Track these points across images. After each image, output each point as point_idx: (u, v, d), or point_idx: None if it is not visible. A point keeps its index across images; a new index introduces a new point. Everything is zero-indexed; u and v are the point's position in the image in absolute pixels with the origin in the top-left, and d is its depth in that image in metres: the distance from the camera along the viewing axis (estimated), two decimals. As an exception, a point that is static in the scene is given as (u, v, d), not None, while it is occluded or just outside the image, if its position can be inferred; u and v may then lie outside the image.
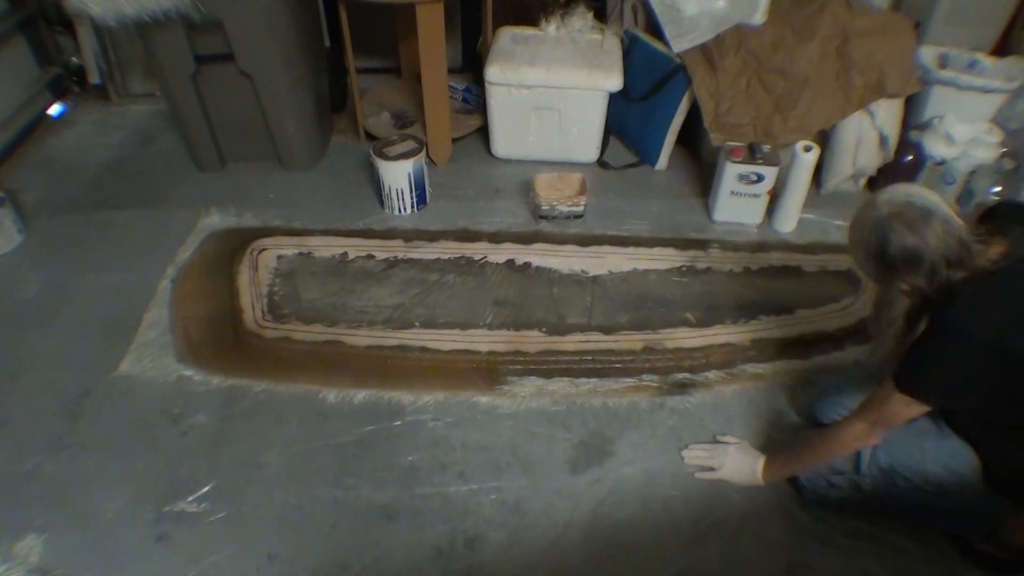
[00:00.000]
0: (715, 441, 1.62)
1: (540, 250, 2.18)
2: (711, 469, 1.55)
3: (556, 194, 2.29)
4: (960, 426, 1.33)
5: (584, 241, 2.22)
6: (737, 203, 2.25)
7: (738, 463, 1.54)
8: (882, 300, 1.30)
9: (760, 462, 1.51)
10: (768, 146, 2.20)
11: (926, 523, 1.43)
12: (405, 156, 2.21)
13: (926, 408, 1.22)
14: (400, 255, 2.15)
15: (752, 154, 2.17)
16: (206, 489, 1.52)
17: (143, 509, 1.48)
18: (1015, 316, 1.13)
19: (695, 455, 1.59)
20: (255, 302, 1.97)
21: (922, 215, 1.17)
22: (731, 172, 2.18)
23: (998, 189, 2.16)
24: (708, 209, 2.35)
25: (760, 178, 2.17)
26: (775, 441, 1.63)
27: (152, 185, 2.46)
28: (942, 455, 1.32)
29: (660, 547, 1.44)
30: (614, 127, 2.64)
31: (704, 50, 2.31)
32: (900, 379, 1.21)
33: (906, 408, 1.22)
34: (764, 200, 2.24)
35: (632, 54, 2.50)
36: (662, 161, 2.56)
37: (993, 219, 1.25)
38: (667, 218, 2.33)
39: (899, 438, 1.31)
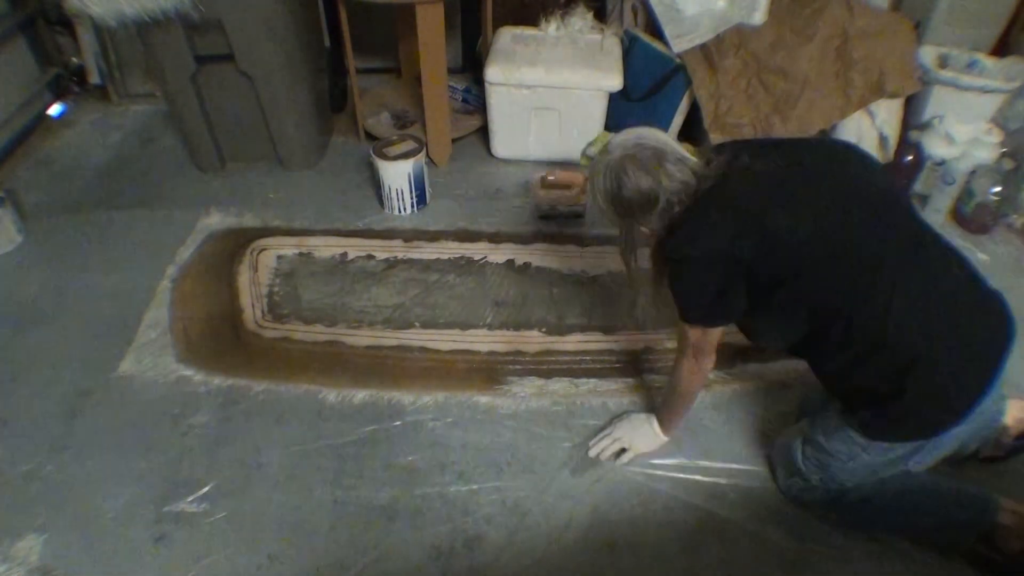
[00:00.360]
0: (606, 425, 1.64)
1: (540, 250, 2.18)
2: (623, 452, 1.57)
3: (556, 194, 2.29)
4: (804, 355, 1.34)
5: (584, 241, 2.22)
6: None
7: (640, 433, 1.57)
8: (625, 241, 1.39)
9: (653, 421, 1.56)
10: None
11: (911, 529, 1.43)
12: (405, 156, 2.21)
13: (719, 327, 1.31)
14: (400, 255, 2.15)
15: None
16: (206, 489, 1.52)
17: (143, 509, 1.48)
18: (731, 222, 1.19)
19: (602, 446, 1.58)
20: (255, 302, 1.97)
21: (654, 155, 1.23)
22: (731, 172, 2.17)
23: (998, 189, 2.16)
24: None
25: (760, 178, 2.17)
26: (774, 443, 1.63)
27: (152, 185, 2.46)
28: (842, 439, 1.32)
29: (660, 547, 1.44)
30: (614, 127, 2.64)
31: (704, 50, 2.31)
32: (680, 314, 1.31)
33: (704, 335, 1.31)
34: None
35: (632, 54, 2.50)
36: (662, 161, 2.56)
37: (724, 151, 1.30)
38: (667, 218, 2.33)
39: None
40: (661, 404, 1.57)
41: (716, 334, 1.33)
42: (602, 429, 1.63)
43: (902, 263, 1.17)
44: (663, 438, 1.57)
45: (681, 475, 1.56)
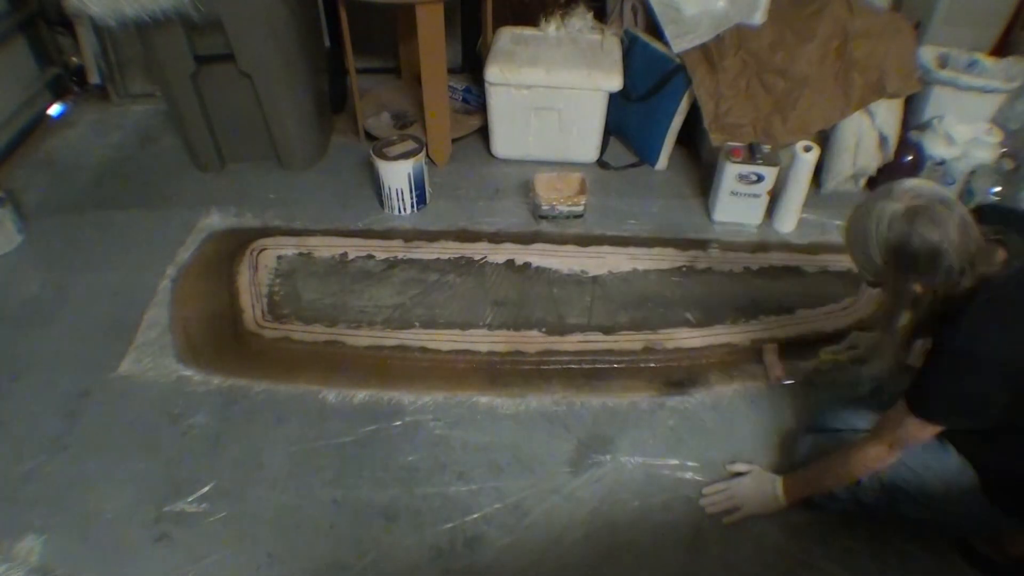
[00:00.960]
0: (728, 475, 1.55)
1: (540, 250, 2.18)
2: (736, 509, 1.48)
3: (556, 194, 2.29)
4: (961, 443, 1.29)
5: (584, 241, 2.22)
6: (737, 203, 2.25)
7: (758, 495, 1.48)
8: (892, 303, 1.21)
9: (778, 485, 1.46)
10: (768, 146, 2.20)
11: (928, 531, 1.42)
12: (405, 156, 2.21)
13: (941, 428, 1.20)
14: (400, 255, 2.15)
15: (752, 154, 2.17)
16: (206, 489, 1.52)
17: (143, 509, 1.48)
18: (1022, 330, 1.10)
19: (714, 501, 1.50)
20: (255, 302, 1.97)
21: (945, 209, 1.11)
22: (731, 172, 2.18)
23: (998, 189, 2.16)
24: (708, 209, 2.35)
25: (760, 178, 2.17)
26: (774, 442, 1.63)
27: (152, 185, 2.46)
28: (943, 471, 1.29)
29: (660, 547, 1.44)
30: (614, 127, 2.64)
31: (704, 50, 2.31)
32: (914, 404, 1.18)
33: (922, 430, 1.20)
34: (764, 200, 2.23)
35: (632, 54, 2.50)
36: (662, 161, 2.56)
37: (981, 222, 1.19)
38: (667, 218, 2.33)
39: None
40: (805, 473, 1.44)
41: (930, 432, 1.21)
42: (724, 467, 1.57)
43: None
44: (782, 504, 1.45)
45: (681, 475, 1.56)
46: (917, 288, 1.15)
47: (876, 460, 1.27)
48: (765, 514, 1.47)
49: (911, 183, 1.16)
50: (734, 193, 2.22)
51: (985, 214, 1.23)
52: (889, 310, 1.22)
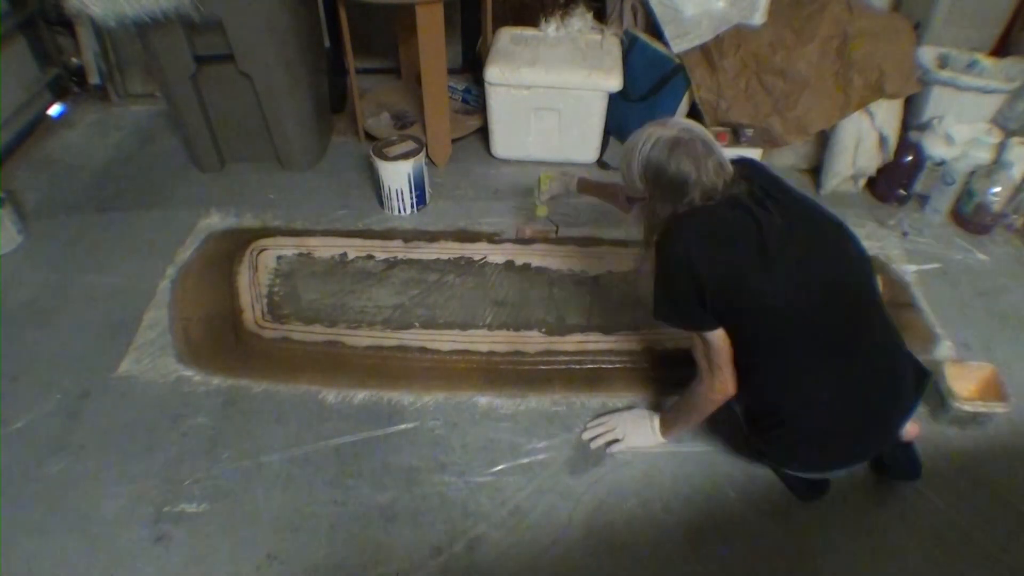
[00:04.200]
0: (608, 412, 1.67)
1: (540, 250, 2.18)
2: (616, 442, 1.58)
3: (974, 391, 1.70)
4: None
5: (584, 241, 2.22)
6: None
7: (638, 428, 1.59)
8: (648, 215, 1.40)
9: (656, 422, 1.58)
10: (751, 129, 2.22)
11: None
12: (405, 156, 2.21)
13: (715, 333, 1.31)
14: (400, 255, 2.15)
15: (736, 137, 2.20)
16: (206, 489, 1.52)
17: (143, 509, 1.48)
18: (698, 239, 1.27)
19: (597, 432, 1.61)
20: (255, 302, 1.97)
21: (705, 150, 1.29)
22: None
23: (998, 189, 2.16)
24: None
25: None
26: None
27: (152, 185, 2.46)
28: None
29: (659, 547, 1.44)
30: (614, 127, 2.64)
31: (704, 50, 2.31)
32: (652, 307, 1.39)
33: (706, 343, 1.33)
34: None
35: (632, 54, 2.50)
36: (662, 161, 2.56)
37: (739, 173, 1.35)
38: (667, 218, 2.33)
39: None
40: (671, 408, 1.57)
41: (716, 343, 1.33)
42: (602, 415, 1.66)
43: (848, 363, 1.28)
44: (659, 440, 1.58)
45: (680, 476, 1.56)
46: (660, 208, 1.35)
47: (708, 387, 1.38)
48: (645, 447, 1.59)
49: (682, 121, 1.35)
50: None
51: (745, 166, 1.39)
52: (648, 219, 1.41)
